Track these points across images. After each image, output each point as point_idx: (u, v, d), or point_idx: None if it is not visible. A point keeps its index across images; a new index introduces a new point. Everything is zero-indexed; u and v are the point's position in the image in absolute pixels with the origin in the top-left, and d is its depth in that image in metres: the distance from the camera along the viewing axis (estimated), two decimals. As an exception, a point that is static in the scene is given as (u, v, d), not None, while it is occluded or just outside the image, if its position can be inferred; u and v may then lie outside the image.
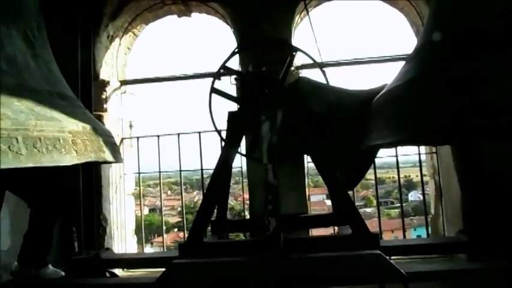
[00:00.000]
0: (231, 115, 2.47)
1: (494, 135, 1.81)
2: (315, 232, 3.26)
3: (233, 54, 3.00)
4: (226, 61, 2.87)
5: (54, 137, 1.63)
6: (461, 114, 1.25)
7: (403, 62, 2.11)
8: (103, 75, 3.56)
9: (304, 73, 3.33)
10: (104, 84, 3.55)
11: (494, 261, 2.17)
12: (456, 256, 2.91)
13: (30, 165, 1.53)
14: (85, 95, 3.17)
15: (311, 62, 2.99)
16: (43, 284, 2.32)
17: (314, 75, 3.18)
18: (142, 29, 3.84)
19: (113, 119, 3.56)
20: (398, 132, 1.45)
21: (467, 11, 1.45)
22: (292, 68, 3.04)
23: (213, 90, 2.82)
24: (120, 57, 3.77)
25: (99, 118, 3.20)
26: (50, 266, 2.37)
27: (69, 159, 1.68)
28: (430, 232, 3.40)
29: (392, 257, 2.15)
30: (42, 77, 1.83)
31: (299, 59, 3.17)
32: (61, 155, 1.64)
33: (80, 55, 3.29)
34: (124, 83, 3.77)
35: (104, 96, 3.53)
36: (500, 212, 2.56)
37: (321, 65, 3.06)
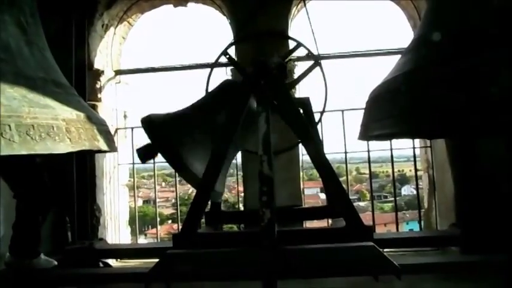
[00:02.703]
0: (227, 85, 2.49)
1: (492, 131, 1.81)
2: (309, 225, 3.27)
3: (230, 45, 2.98)
4: (224, 51, 2.85)
5: (47, 125, 1.62)
6: (460, 109, 1.25)
7: (399, 56, 2.11)
8: (97, 64, 3.52)
9: (301, 65, 3.33)
10: (99, 73, 3.51)
11: (486, 255, 2.19)
12: (448, 249, 2.94)
13: (24, 152, 1.51)
14: (79, 84, 3.13)
15: (307, 54, 2.97)
16: (36, 273, 2.31)
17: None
18: (138, 18, 3.80)
19: (107, 109, 3.53)
20: (395, 123, 1.45)
21: (465, 6, 1.45)
22: (289, 60, 3.03)
23: (226, 53, 2.81)
24: (115, 46, 3.73)
25: (94, 108, 3.17)
26: (42, 256, 2.35)
27: (63, 147, 1.67)
28: (422, 226, 3.42)
29: (385, 250, 2.16)
30: (36, 64, 1.81)
31: (295, 51, 3.16)
32: (55, 142, 1.62)
33: (74, 44, 3.25)
34: (119, 72, 3.74)
35: (98, 86, 3.50)
36: (492, 206, 2.57)
37: (317, 58, 3.05)
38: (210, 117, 2.40)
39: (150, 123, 2.26)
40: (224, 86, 2.60)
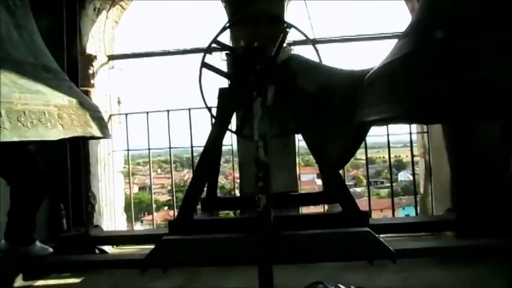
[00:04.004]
0: (222, 92, 2.44)
1: (491, 115, 1.81)
2: (305, 210, 3.29)
3: (224, 28, 2.93)
4: (217, 35, 2.81)
5: (39, 111, 1.59)
6: (456, 93, 1.24)
7: (396, 40, 2.09)
8: (90, 49, 3.48)
9: (297, 50, 3.30)
10: (91, 58, 3.47)
11: (482, 239, 2.22)
12: (444, 234, 2.97)
13: (15, 139, 1.50)
14: (71, 70, 3.09)
15: (303, 38, 2.94)
16: (31, 260, 2.31)
17: (306, 52, 3.15)
18: (130, 1, 3.74)
19: (100, 95, 3.50)
20: (392, 108, 1.44)
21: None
22: (285, 45, 3.00)
23: (204, 65, 2.78)
24: (108, 31, 3.67)
25: (86, 94, 3.13)
26: (38, 243, 2.36)
27: (55, 133, 1.65)
28: (418, 211, 3.45)
29: (381, 235, 2.18)
30: (26, 48, 1.77)
31: (291, 35, 3.12)
32: (47, 129, 1.60)
33: (66, 28, 3.19)
34: (112, 57, 3.69)
35: (91, 72, 3.46)
36: (488, 191, 2.59)
37: (314, 42, 3.02)
38: None
39: None
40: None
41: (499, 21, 1.25)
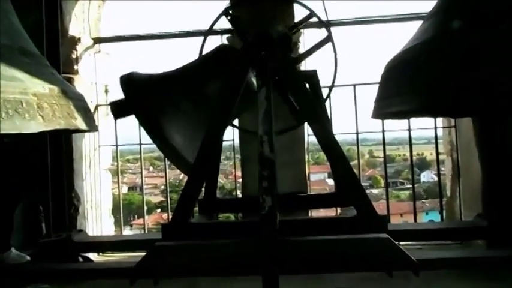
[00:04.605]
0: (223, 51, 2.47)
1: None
2: (315, 214, 3.29)
3: (228, 8, 2.93)
4: (226, 10, 2.81)
5: (15, 100, 1.60)
6: (490, 82, 1.23)
7: (420, 22, 2.08)
8: (73, 31, 3.48)
9: (307, 33, 3.28)
10: (74, 41, 3.47)
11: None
12: (474, 242, 2.95)
13: (-12, 132, 1.50)
14: (52, 54, 3.09)
15: (315, 20, 2.93)
16: (6, 269, 2.33)
17: (318, 36, 3.13)
18: (119, -23, 3.74)
19: (85, 83, 3.51)
20: (414, 99, 1.44)
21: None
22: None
23: (227, 13, 2.76)
24: (93, 10, 3.68)
25: (69, 81, 3.14)
26: (13, 250, 2.37)
27: (34, 126, 1.65)
28: (444, 216, 3.44)
29: (401, 243, 2.17)
30: (1, 29, 1.77)
31: (299, 17, 3.12)
32: (24, 121, 1.61)
33: (45, 6, 3.19)
34: (98, 40, 3.69)
35: (74, 56, 3.47)
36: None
37: (327, 24, 3.00)
38: (200, 86, 2.38)
39: (128, 81, 2.25)
40: (219, 51, 2.57)
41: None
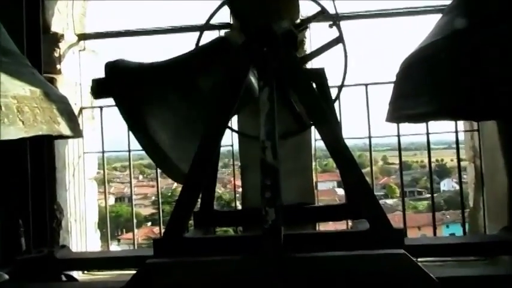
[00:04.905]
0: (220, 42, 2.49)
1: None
2: (324, 227, 3.29)
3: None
4: (221, 6, 2.83)
5: (-7, 103, 1.61)
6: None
7: (439, 16, 2.09)
8: (55, 27, 3.51)
9: (314, 27, 3.30)
10: (57, 38, 3.50)
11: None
12: (499, 258, 2.96)
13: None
14: (32, 52, 3.11)
15: (323, 13, 2.95)
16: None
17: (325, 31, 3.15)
18: (106, -33, 3.78)
19: (69, 83, 3.53)
20: (432, 101, 1.44)
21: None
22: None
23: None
24: (78, 4, 3.70)
25: (52, 82, 3.17)
26: (-10, 268, 2.38)
27: (13, 132, 1.66)
28: (467, 230, 3.44)
29: (419, 259, 2.18)
30: (-23, 26, 1.80)
31: (305, 10, 3.14)
32: (3, 126, 1.62)
33: (25, 0, 3.22)
34: (83, 37, 3.72)
35: (56, 54, 3.49)
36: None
37: (335, 18, 3.02)
38: (193, 77, 2.39)
39: (113, 65, 2.25)
40: (219, 42, 2.58)
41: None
